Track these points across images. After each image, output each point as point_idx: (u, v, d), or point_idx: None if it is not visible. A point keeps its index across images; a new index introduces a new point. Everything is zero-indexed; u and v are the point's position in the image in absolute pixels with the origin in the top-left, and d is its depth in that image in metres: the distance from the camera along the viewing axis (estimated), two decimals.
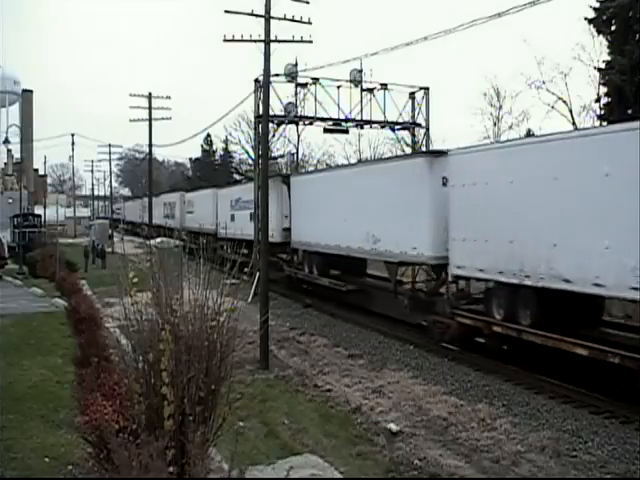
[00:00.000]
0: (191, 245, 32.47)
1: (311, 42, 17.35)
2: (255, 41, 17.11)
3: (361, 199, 21.62)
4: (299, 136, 58.90)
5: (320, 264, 25.97)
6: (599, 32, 31.35)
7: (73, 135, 67.15)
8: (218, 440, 6.92)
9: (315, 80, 27.44)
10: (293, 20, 17.04)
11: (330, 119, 28.69)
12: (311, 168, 59.68)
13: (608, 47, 30.85)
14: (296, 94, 27.82)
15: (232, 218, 35.48)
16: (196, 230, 41.24)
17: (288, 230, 28.26)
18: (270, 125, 23.22)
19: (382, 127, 30.51)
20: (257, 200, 25.91)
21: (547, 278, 13.44)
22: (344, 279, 24.27)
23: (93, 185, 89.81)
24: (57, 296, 23.27)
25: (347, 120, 28.77)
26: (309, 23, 17.17)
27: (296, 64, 27.43)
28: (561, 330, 13.24)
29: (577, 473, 9.47)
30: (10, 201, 49.28)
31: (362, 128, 31.36)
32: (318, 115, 28.19)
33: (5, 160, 66.22)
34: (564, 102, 37.47)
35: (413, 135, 31.13)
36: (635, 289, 11.32)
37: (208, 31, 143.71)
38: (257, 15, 16.56)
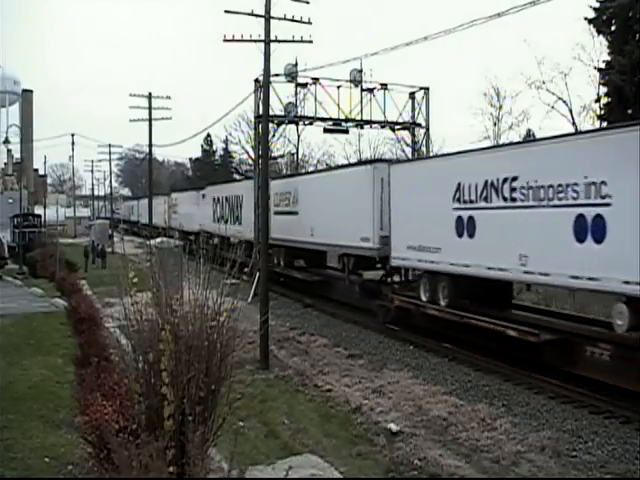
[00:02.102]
0: (296, 274, 26.13)
1: (311, 42, 17.38)
2: (255, 41, 17.12)
3: None
4: (299, 136, 58.92)
5: None
6: (599, 32, 31.38)
7: (73, 135, 67.51)
8: (218, 440, 6.91)
9: (315, 80, 27.43)
10: (293, 20, 17.05)
11: (330, 119, 28.68)
12: (311, 168, 59.23)
13: (608, 47, 30.88)
14: (296, 94, 27.80)
15: (466, 228, 16.05)
16: (306, 246, 24.77)
17: None
18: (270, 125, 23.22)
19: (382, 127, 30.49)
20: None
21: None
22: None
23: (93, 185, 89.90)
24: (57, 296, 23.28)
25: (347, 120, 28.76)
26: (309, 23, 17.19)
27: (296, 64, 27.44)
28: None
29: (577, 473, 9.47)
30: (10, 201, 49.28)
31: (362, 128, 31.32)
32: (318, 115, 28.17)
33: (5, 160, 66.27)
34: (564, 102, 37.50)
35: (413, 135, 31.12)
36: None
37: (208, 31, 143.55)
38: (257, 15, 16.57)
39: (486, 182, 15.42)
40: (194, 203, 44.62)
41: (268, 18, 16.51)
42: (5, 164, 66.51)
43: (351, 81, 27.96)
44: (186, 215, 45.86)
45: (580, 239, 12.68)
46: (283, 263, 28.36)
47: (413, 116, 29.83)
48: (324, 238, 23.08)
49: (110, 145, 63.86)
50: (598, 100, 33.23)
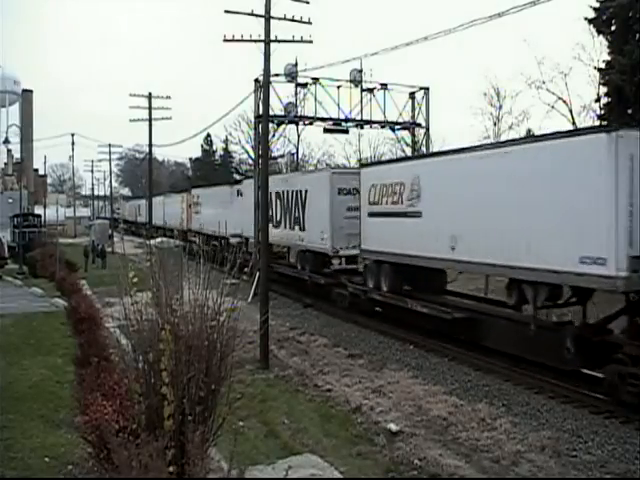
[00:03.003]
0: (416, 306, 17.19)
1: (311, 42, 17.37)
2: (255, 41, 17.11)
3: None
4: (299, 136, 58.92)
5: None
6: (599, 32, 31.32)
7: (73, 135, 67.47)
8: (218, 440, 6.92)
9: (315, 80, 27.44)
10: (293, 20, 17.05)
11: (330, 119, 28.69)
12: (311, 168, 59.14)
13: (608, 47, 30.82)
14: (296, 94, 27.81)
15: None
16: (439, 265, 17.60)
17: None
18: (270, 125, 23.23)
19: (382, 127, 30.51)
20: None
21: None
22: None
23: (93, 185, 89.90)
24: (57, 296, 23.27)
25: (347, 120, 28.77)
26: (309, 23, 17.18)
27: (296, 64, 27.44)
28: None
29: (577, 473, 9.47)
30: (10, 201, 49.27)
31: (362, 128, 31.35)
32: (318, 115, 28.18)
33: (5, 160, 66.36)
34: (564, 102, 37.38)
35: (413, 135, 31.12)
36: None
37: (208, 31, 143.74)
38: (257, 15, 16.57)
39: None
40: (225, 201, 36.15)
41: (268, 18, 16.50)
42: (5, 164, 66.61)
43: (351, 81, 27.97)
44: (213, 216, 37.43)
45: None
46: (387, 287, 19.84)
47: (413, 116, 29.85)
48: (484, 255, 14.78)
49: (110, 145, 63.88)
50: (598, 100, 33.16)
